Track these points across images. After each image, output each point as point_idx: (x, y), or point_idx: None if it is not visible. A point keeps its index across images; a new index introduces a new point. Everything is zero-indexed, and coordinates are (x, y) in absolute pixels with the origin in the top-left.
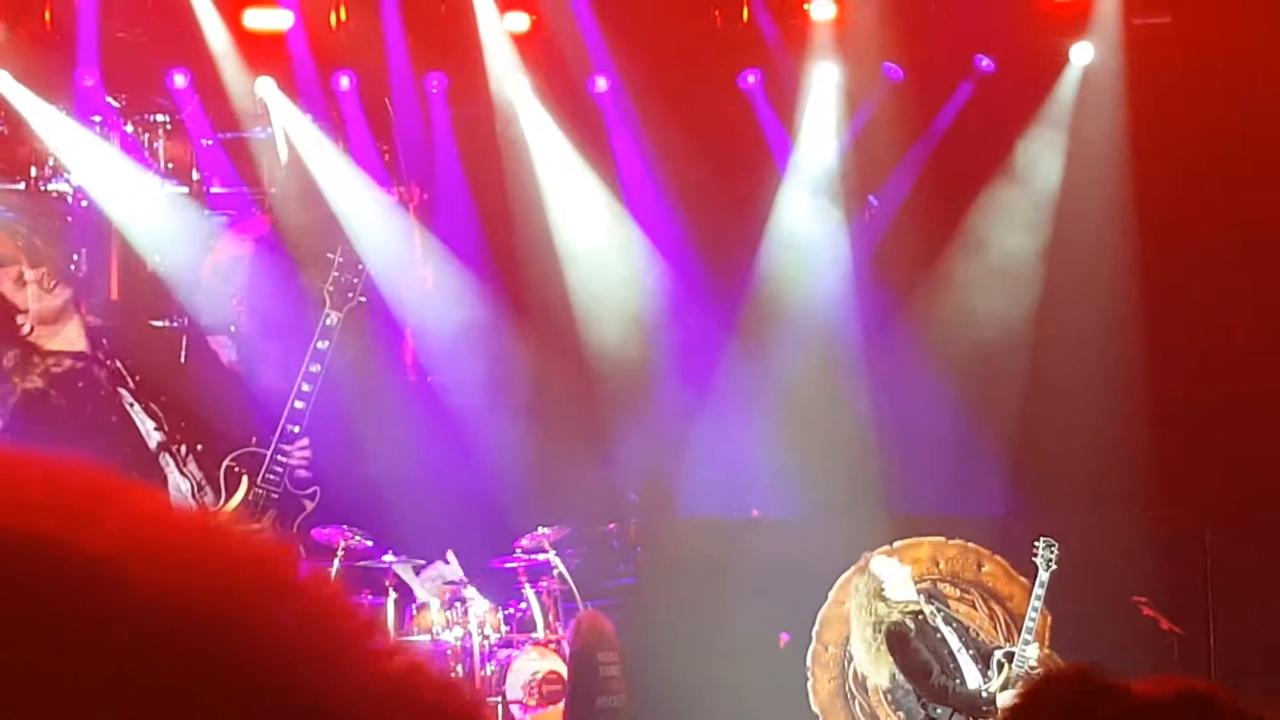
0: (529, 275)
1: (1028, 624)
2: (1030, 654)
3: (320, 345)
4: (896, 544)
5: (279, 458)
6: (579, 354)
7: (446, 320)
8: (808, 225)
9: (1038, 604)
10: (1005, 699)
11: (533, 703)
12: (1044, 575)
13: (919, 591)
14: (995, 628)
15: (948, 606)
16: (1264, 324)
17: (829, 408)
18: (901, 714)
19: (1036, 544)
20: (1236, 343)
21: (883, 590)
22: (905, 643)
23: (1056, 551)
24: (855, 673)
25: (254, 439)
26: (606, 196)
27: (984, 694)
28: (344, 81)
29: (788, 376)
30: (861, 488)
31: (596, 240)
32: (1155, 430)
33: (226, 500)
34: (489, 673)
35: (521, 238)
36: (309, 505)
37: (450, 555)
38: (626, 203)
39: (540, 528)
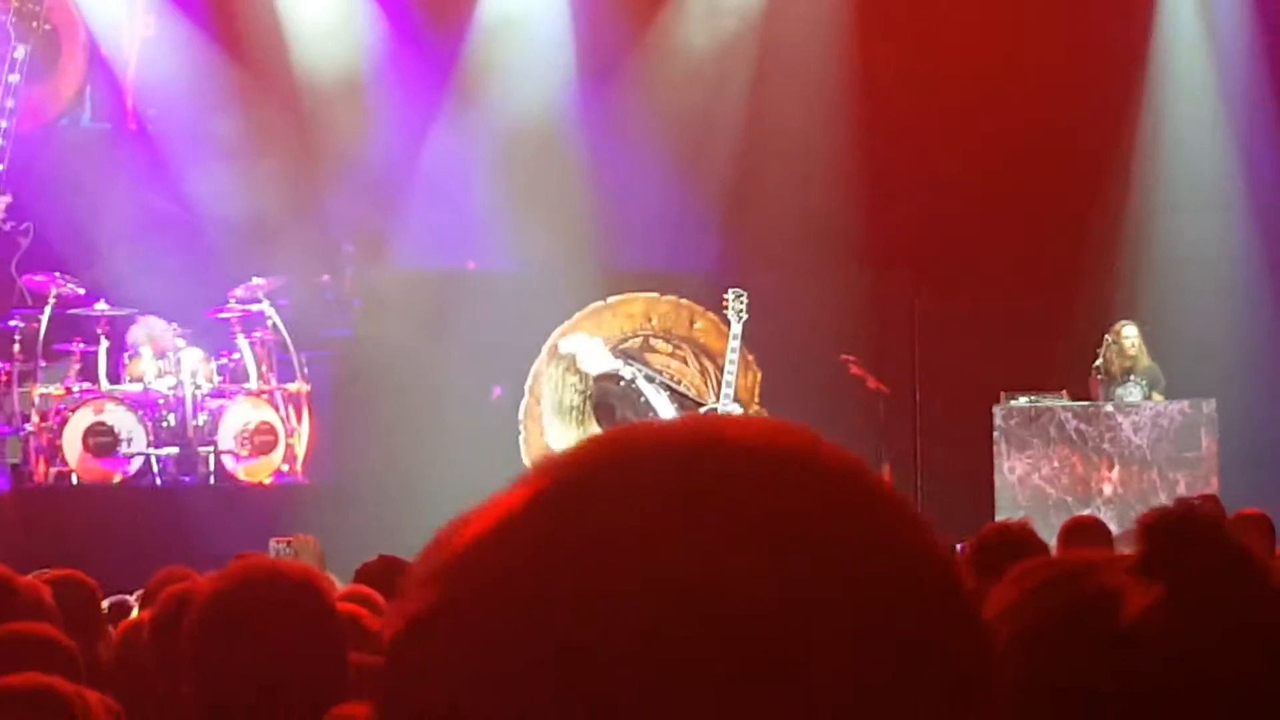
0: (246, 24)
1: (727, 377)
2: (733, 408)
3: (11, 79)
4: (610, 299)
5: None
6: (295, 103)
7: (165, 68)
8: None
9: (734, 356)
10: None
11: (245, 453)
12: (737, 327)
13: (621, 353)
14: (706, 383)
15: (649, 365)
16: (975, 92)
17: (546, 161)
18: None
19: (726, 296)
20: (944, 107)
21: (577, 365)
22: (612, 413)
23: (746, 301)
24: None
25: None
26: None
27: None
28: None
29: (505, 129)
30: (577, 242)
31: None
32: (869, 192)
33: None
34: (201, 423)
35: None
36: (23, 243)
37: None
38: None
39: (255, 278)
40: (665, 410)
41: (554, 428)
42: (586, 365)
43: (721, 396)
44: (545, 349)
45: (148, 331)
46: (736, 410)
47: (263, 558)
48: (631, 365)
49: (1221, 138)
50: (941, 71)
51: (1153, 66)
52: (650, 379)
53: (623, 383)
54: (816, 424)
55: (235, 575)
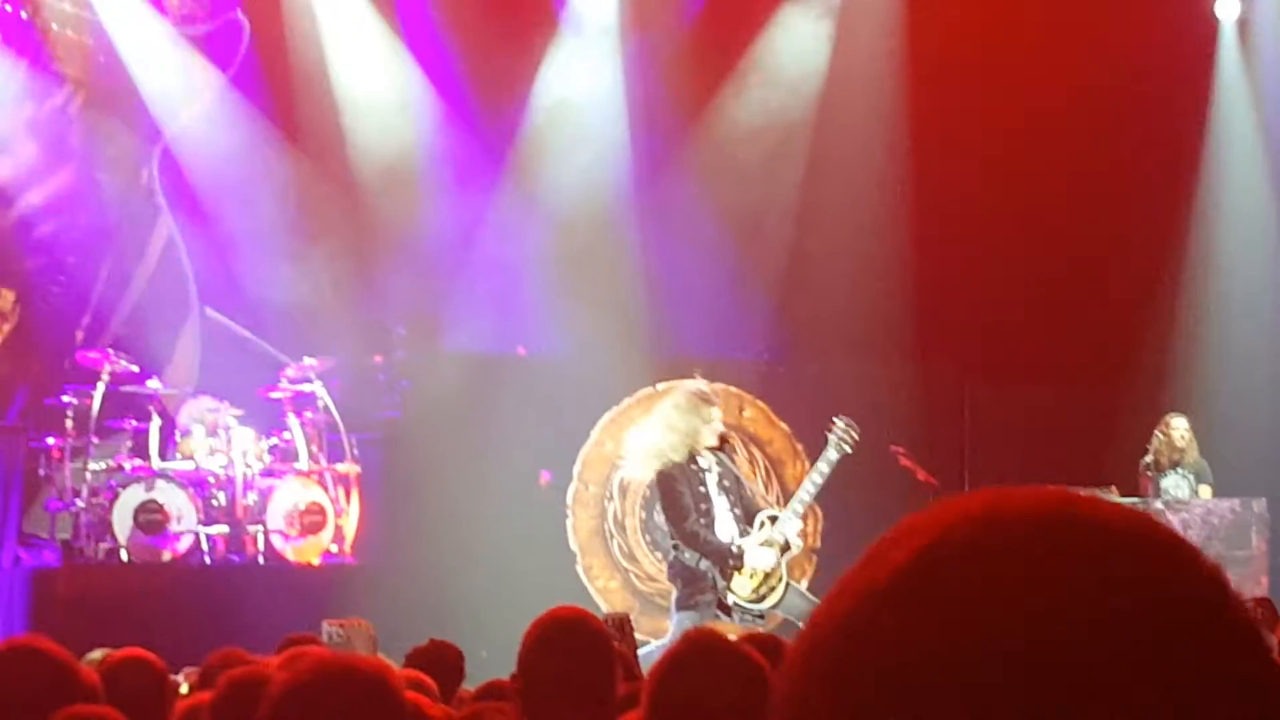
0: (302, 105)
1: (802, 495)
2: (793, 525)
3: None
4: (660, 386)
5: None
6: (350, 185)
7: (222, 147)
8: (584, 63)
9: (820, 479)
10: (756, 558)
11: (294, 532)
12: (834, 455)
13: (717, 445)
14: (755, 471)
15: (734, 466)
16: (1029, 183)
17: (598, 247)
18: (659, 554)
19: (835, 420)
20: (997, 198)
21: (701, 425)
22: (673, 483)
23: (856, 436)
24: (615, 513)
25: None
26: (382, 26)
27: (734, 548)
28: None
29: (558, 214)
30: (627, 328)
31: (370, 69)
32: (918, 280)
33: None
34: (251, 502)
35: (296, 66)
36: (84, 322)
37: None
38: (402, 34)
39: (306, 358)
40: (722, 513)
41: (633, 435)
42: (703, 435)
43: (790, 509)
44: (703, 383)
45: (199, 410)
46: (797, 525)
47: (335, 653)
48: (711, 457)
49: (1275, 234)
50: (995, 162)
51: (1206, 161)
52: (725, 476)
53: (694, 467)
54: (865, 515)
55: (311, 669)
